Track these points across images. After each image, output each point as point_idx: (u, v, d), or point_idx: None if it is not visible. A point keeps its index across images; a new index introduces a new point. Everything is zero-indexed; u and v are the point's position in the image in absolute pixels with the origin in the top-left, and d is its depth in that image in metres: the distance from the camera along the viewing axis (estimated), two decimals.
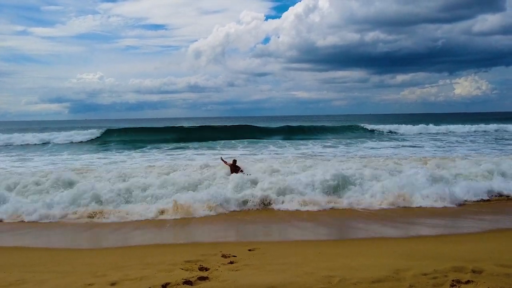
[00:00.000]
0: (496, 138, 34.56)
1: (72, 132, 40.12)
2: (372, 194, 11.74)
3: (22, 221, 10.48)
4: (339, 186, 12.08)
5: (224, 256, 7.07)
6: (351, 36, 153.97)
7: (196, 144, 30.93)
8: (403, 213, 10.80)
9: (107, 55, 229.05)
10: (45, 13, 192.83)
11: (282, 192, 11.79)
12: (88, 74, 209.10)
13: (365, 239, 8.67)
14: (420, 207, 11.21)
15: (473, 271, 5.71)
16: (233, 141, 32.91)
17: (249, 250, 7.48)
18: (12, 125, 78.96)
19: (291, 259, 6.79)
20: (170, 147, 29.28)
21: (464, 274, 5.63)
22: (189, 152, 25.73)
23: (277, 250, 7.55)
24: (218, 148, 28.14)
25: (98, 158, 23.64)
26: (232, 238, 9.25)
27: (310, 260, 6.71)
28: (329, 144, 30.64)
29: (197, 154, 24.34)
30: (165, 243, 8.77)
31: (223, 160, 15.31)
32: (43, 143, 34.74)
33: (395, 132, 44.53)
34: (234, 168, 14.58)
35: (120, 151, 27.27)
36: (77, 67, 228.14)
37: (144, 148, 28.57)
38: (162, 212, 10.83)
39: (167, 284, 5.50)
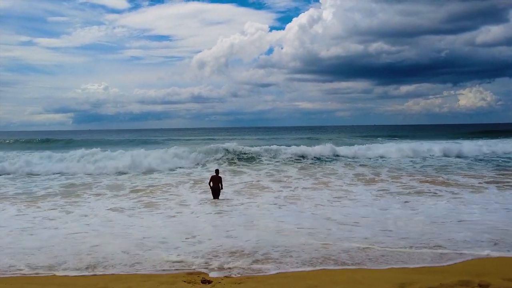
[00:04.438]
0: None
1: None
2: None
3: None
4: None
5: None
6: (354, 47, 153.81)
7: None
8: None
9: (111, 65, 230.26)
10: (51, 24, 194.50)
11: None
12: (92, 85, 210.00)
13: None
14: None
15: (480, 285, 5.61)
16: None
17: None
18: (18, 135, 78.83)
19: (294, 273, 6.69)
20: None
21: None
22: None
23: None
24: None
25: None
26: None
27: (313, 273, 6.62)
28: None
29: None
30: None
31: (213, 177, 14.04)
32: None
33: None
34: (214, 179, 13.82)
35: None
36: (82, 78, 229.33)
37: None
38: None
39: None
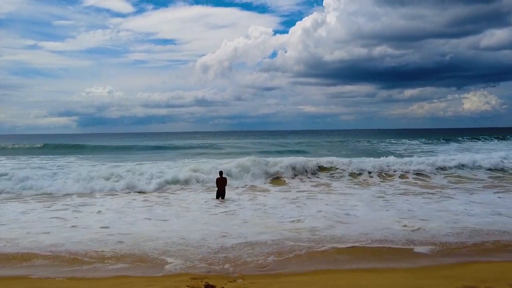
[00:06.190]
0: None
1: None
2: None
3: None
4: None
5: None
6: (358, 51, 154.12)
7: None
8: None
9: (116, 69, 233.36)
10: (56, 27, 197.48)
11: None
12: (97, 88, 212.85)
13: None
14: None
15: None
16: None
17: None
18: (23, 139, 79.20)
19: (298, 277, 6.67)
20: None
21: None
22: None
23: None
24: None
25: None
26: None
27: (317, 278, 6.59)
28: None
29: None
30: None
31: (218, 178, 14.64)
32: None
33: None
34: (220, 181, 14.42)
35: None
36: (86, 81, 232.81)
37: None
38: None
39: None
